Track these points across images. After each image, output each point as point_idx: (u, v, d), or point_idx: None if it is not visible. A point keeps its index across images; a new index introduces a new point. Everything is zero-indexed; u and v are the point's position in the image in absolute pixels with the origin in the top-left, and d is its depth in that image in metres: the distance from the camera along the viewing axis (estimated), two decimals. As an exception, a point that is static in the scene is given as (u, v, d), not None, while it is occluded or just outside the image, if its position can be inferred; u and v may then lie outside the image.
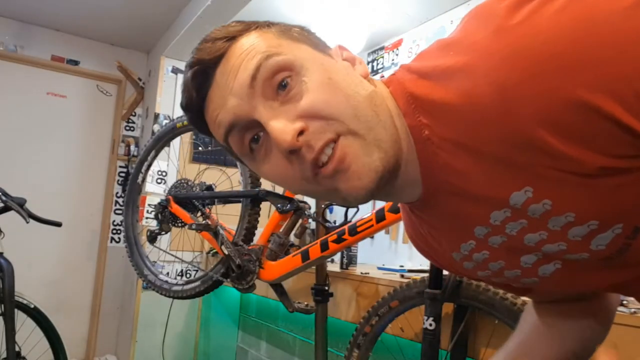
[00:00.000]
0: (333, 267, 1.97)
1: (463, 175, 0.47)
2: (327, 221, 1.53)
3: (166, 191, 1.80)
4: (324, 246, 1.36)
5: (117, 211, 3.55)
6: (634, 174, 0.41)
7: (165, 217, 1.75)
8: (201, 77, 0.54)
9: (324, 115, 0.49)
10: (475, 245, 0.56)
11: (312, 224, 2.06)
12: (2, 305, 1.99)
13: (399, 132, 0.51)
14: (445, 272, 1.27)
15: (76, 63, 3.49)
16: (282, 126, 0.49)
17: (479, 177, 0.47)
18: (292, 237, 1.60)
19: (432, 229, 0.61)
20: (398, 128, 0.51)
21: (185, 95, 0.56)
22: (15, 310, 2.03)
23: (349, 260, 1.95)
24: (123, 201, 2.31)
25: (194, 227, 1.58)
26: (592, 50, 0.37)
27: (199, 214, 1.70)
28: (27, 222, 2.08)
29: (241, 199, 1.60)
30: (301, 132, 0.49)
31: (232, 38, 0.54)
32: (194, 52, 0.55)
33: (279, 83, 0.51)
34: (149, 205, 2.85)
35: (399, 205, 0.68)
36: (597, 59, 0.37)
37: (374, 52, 3.20)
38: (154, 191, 2.98)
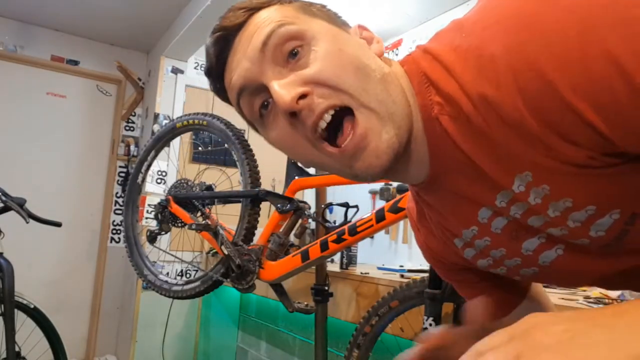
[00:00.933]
0: (333, 267, 1.97)
1: (470, 155, 0.48)
2: (327, 221, 1.53)
3: (166, 191, 1.80)
4: (324, 246, 1.36)
5: (117, 211, 3.55)
6: (626, 165, 0.42)
7: (165, 217, 1.75)
8: (222, 42, 0.57)
9: (331, 85, 0.50)
10: (477, 231, 0.57)
11: (312, 224, 2.06)
12: (2, 305, 1.99)
13: (410, 109, 0.51)
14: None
15: (76, 63, 3.49)
16: (283, 89, 0.50)
17: (485, 158, 0.47)
18: (292, 237, 1.60)
19: (436, 213, 0.62)
20: (410, 105, 0.51)
21: (207, 61, 0.59)
22: (15, 310, 2.03)
23: (349, 260, 1.95)
24: (123, 201, 2.31)
25: (193, 227, 1.58)
26: (587, 59, 0.38)
27: (199, 214, 1.70)
28: (27, 222, 2.08)
29: (241, 199, 1.60)
30: (303, 97, 0.50)
31: (254, 9, 0.56)
32: (219, 20, 0.58)
33: (290, 51, 0.52)
34: (148, 205, 2.85)
35: (408, 188, 0.69)
36: (591, 69, 0.37)
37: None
38: (154, 191, 2.98)
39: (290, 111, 0.50)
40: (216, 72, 0.58)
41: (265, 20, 0.54)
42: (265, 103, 0.54)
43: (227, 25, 0.56)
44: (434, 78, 0.49)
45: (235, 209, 1.63)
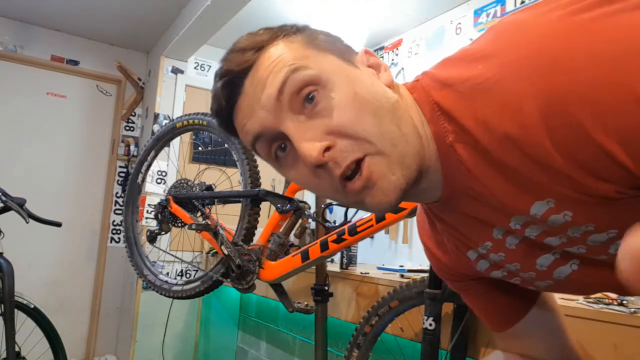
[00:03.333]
0: (333, 267, 1.97)
1: (484, 183, 0.48)
2: (327, 221, 1.53)
3: (166, 191, 1.80)
4: (324, 246, 1.36)
5: (117, 211, 3.55)
6: None
7: (165, 217, 1.75)
8: (230, 87, 0.56)
9: (351, 135, 0.50)
10: (492, 246, 0.57)
11: (312, 224, 2.06)
12: (2, 305, 1.99)
13: (422, 140, 0.52)
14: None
15: (76, 63, 3.49)
16: (309, 144, 0.50)
17: (501, 186, 0.47)
18: (292, 237, 1.60)
19: (449, 227, 0.62)
20: (422, 136, 0.52)
21: (215, 103, 0.59)
22: (15, 310, 2.03)
23: (349, 260, 1.95)
24: (123, 201, 2.31)
25: (193, 227, 1.58)
26: (618, 103, 0.38)
27: (199, 214, 1.70)
28: (27, 222, 2.07)
29: (241, 199, 1.60)
30: (327, 149, 0.50)
31: (260, 48, 0.55)
32: (223, 61, 0.57)
33: (306, 96, 0.52)
34: (148, 205, 2.85)
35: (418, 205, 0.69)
36: (622, 113, 0.38)
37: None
38: (154, 191, 2.98)
39: (317, 165, 0.50)
40: (226, 113, 0.58)
41: (277, 63, 0.53)
42: (283, 146, 0.55)
43: (234, 69, 0.55)
44: (446, 107, 0.49)
45: (235, 209, 1.63)
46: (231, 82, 0.56)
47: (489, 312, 0.73)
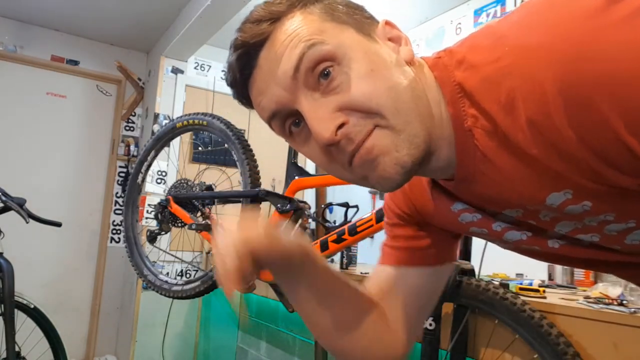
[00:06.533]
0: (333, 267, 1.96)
1: (501, 170, 0.48)
2: (327, 221, 1.53)
3: (166, 191, 1.80)
4: (324, 246, 1.36)
5: (117, 211, 3.55)
6: None
7: (165, 217, 1.75)
8: (245, 58, 0.55)
9: (365, 109, 0.49)
10: (501, 228, 0.58)
11: (312, 224, 2.06)
12: (2, 305, 1.99)
13: (435, 121, 0.50)
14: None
15: (76, 63, 3.49)
16: (322, 124, 0.50)
17: (517, 175, 0.47)
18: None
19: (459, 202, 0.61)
20: (435, 116, 0.50)
21: (230, 74, 0.58)
22: (15, 310, 2.03)
23: (349, 260, 1.95)
24: (123, 201, 2.31)
25: (193, 227, 1.58)
26: (637, 98, 0.37)
27: (199, 214, 1.70)
28: (27, 222, 2.07)
29: (241, 199, 1.60)
30: (341, 126, 0.49)
31: (276, 20, 0.53)
32: (238, 32, 0.55)
33: (321, 72, 0.51)
34: (149, 205, 2.85)
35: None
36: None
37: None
38: (154, 191, 2.98)
39: (329, 144, 0.50)
40: (241, 85, 0.57)
41: (293, 37, 0.51)
42: (297, 121, 0.54)
43: (249, 41, 0.53)
44: (468, 89, 0.48)
45: (235, 209, 1.63)
46: (246, 54, 0.54)
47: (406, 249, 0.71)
